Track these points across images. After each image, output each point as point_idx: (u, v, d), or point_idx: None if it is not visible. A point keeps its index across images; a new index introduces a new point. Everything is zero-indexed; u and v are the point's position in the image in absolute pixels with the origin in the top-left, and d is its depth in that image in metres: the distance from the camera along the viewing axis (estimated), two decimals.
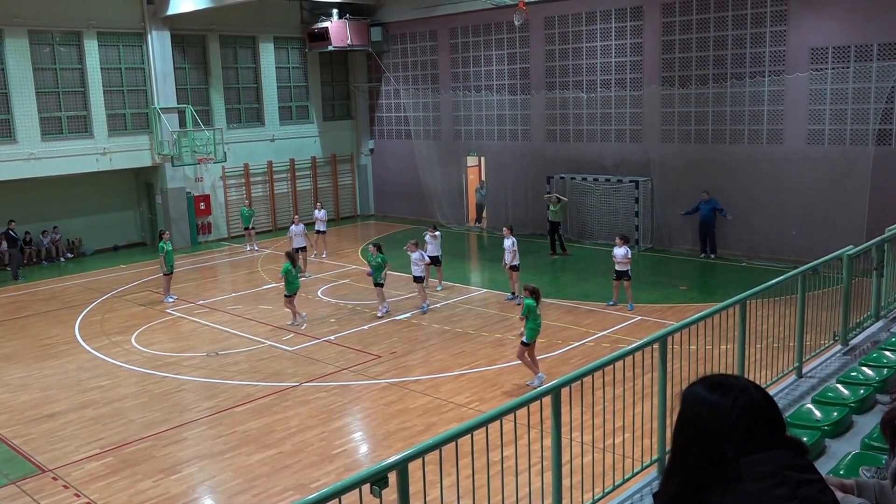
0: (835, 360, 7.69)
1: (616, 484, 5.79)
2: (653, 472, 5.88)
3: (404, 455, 4.00)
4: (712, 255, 20.64)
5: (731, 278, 18.32)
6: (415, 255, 17.09)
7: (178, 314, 17.68)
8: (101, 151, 23.86)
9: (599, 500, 5.61)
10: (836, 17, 18.54)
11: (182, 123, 25.11)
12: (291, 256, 16.43)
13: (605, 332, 14.83)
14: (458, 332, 15.40)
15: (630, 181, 22.18)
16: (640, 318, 15.59)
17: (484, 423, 4.59)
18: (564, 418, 5.11)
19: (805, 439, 5.14)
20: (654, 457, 5.92)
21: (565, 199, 22.28)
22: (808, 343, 7.60)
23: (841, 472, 4.60)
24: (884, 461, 4.21)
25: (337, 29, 26.99)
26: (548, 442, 5.13)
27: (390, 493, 3.89)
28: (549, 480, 5.17)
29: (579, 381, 5.21)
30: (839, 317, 7.97)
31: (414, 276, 17.22)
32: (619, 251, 15.88)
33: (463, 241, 25.61)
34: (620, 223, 22.22)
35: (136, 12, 24.25)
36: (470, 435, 4.54)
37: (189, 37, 25.83)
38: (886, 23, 17.75)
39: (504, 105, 25.51)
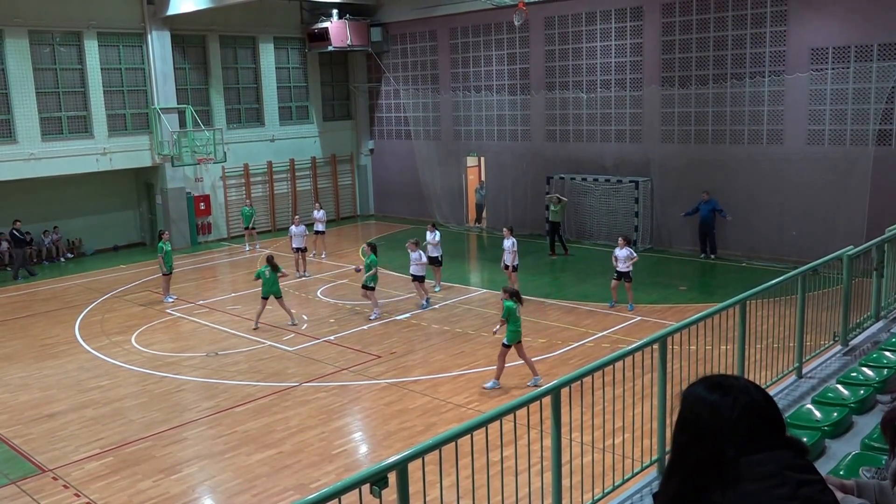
0: (835, 361, 7.69)
1: (616, 484, 5.79)
2: (653, 472, 5.88)
3: (404, 455, 4.00)
4: (712, 256, 20.63)
5: (731, 278, 18.32)
6: (414, 255, 17.11)
7: (178, 314, 17.68)
8: (102, 151, 23.86)
9: (599, 500, 5.61)
10: (836, 18, 18.54)
11: (182, 124, 25.11)
12: (271, 261, 16.25)
13: (604, 333, 14.83)
14: (457, 332, 15.40)
15: (630, 181, 22.18)
16: (639, 318, 15.59)
17: (484, 424, 4.59)
18: (564, 418, 5.11)
19: (805, 440, 5.14)
20: (654, 457, 5.92)
21: (565, 199, 22.30)
22: (808, 343, 7.60)
23: (841, 473, 4.60)
24: (884, 462, 4.21)
25: (337, 29, 27.00)
26: (548, 442, 5.13)
27: (390, 494, 3.89)
28: (549, 480, 5.17)
29: (579, 382, 5.21)
30: (839, 317, 7.97)
31: (412, 276, 17.27)
32: (622, 252, 15.84)
33: (462, 241, 25.61)
34: (620, 223, 22.23)
35: (136, 12, 24.25)
36: (470, 435, 4.54)
37: (189, 37, 25.84)
38: (886, 23, 17.75)
39: (504, 105, 25.52)
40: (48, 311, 18.44)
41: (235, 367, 13.97)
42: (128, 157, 24.51)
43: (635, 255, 16.24)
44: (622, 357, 5.60)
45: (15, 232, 21.97)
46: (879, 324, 8.57)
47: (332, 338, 15.40)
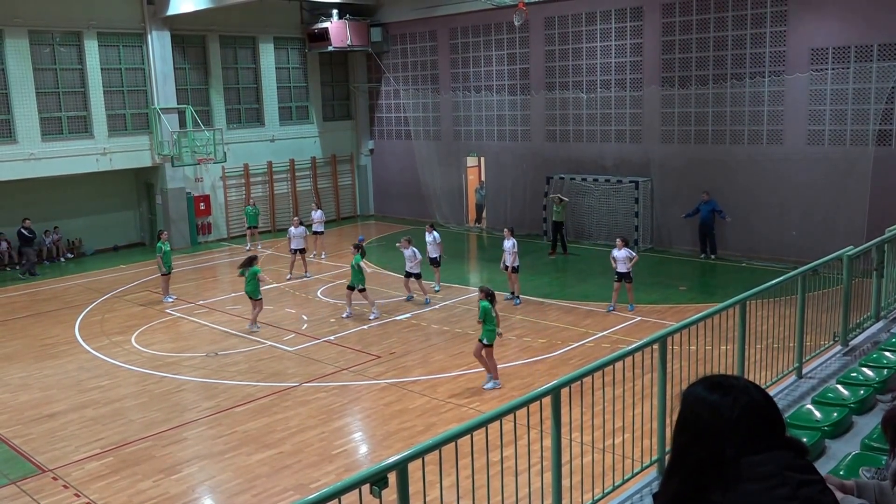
0: (835, 361, 7.69)
1: (616, 484, 5.79)
2: (653, 472, 5.88)
3: (404, 455, 4.00)
4: (712, 256, 20.64)
5: (731, 279, 18.32)
6: (407, 252, 17.15)
7: (178, 314, 17.68)
8: (102, 151, 23.86)
9: (599, 500, 5.61)
10: (835, 18, 18.54)
11: (182, 124, 25.11)
12: (248, 262, 16.19)
13: (604, 333, 14.83)
14: (457, 332, 15.40)
15: (630, 181, 22.18)
16: (639, 318, 15.59)
17: (484, 424, 4.59)
18: (564, 419, 5.11)
19: (805, 440, 5.14)
20: (654, 457, 5.92)
21: (566, 199, 22.32)
22: (808, 343, 7.60)
23: (841, 473, 4.60)
24: (884, 462, 4.21)
25: (337, 29, 27.00)
26: (548, 442, 5.13)
27: (390, 494, 3.89)
28: (549, 481, 5.17)
29: (579, 382, 5.21)
30: (839, 317, 7.97)
31: (407, 273, 17.31)
32: (620, 253, 15.82)
33: (462, 241, 25.61)
34: (620, 224, 22.24)
35: (137, 12, 24.25)
36: (470, 435, 4.54)
37: (189, 37, 25.84)
38: (886, 23, 17.75)
39: (504, 105, 25.52)
40: (48, 311, 18.44)
41: (235, 368, 13.97)
42: (128, 157, 24.51)
43: (634, 254, 16.23)
44: (622, 357, 5.60)
45: (24, 230, 22.07)
46: (879, 324, 8.57)
47: (332, 338, 15.41)
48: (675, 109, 21.43)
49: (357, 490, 3.79)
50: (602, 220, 23.11)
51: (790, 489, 1.91)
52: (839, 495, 2.80)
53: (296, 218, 21.55)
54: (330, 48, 27.27)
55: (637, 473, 5.94)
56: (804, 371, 7.44)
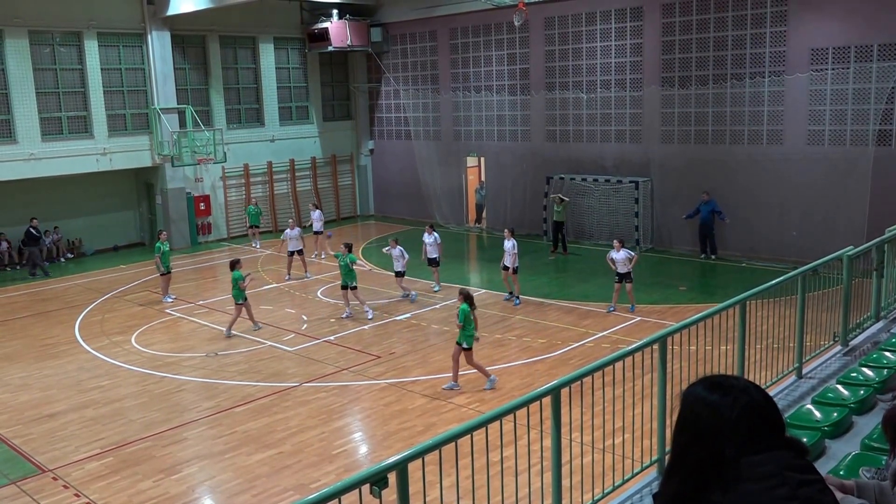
0: (835, 361, 7.69)
1: (616, 484, 5.79)
2: (652, 472, 5.87)
3: (404, 455, 4.00)
4: (713, 256, 20.64)
5: (731, 279, 18.32)
6: (395, 252, 17.34)
7: (178, 314, 17.68)
8: (102, 152, 23.86)
9: (599, 500, 5.61)
10: (835, 18, 18.54)
11: (182, 124, 25.11)
12: (232, 265, 16.11)
13: (604, 333, 14.83)
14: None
15: (630, 182, 22.18)
16: (639, 318, 15.59)
17: (484, 424, 4.59)
18: (564, 419, 5.10)
19: (805, 440, 5.14)
20: (654, 457, 5.92)
21: (567, 199, 22.34)
22: (808, 344, 7.59)
23: (841, 473, 4.60)
24: (884, 462, 4.21)
25: (337, 29, 27.00)
26: (548, 442, 5.13)
27: (390, 494, 3.89)
28: (549, 481, 5.17)
29: (579, 382, 5.20)
30: (839, 317, 7.97)
31: (396, 272, 17.62)
32: (619, 255, 15.79)
33: (462, 241, 25.61)
34: (620, 224, 22.24)
35: (137, 13, 24.25)
36: (470, 435, 4.54)
37: (189, 37, 25.84)
38: (886, 23, 17.75)
39: (504, 105, 25.51)
40: (48, 311, 18.44)
41: (235, 368, 13.97)
42: (128, 157, 24.51)
43: (634, 254, 16.18)
44: (622, 357, 5.59)
45: (32, 230, 22.12)
46: (879, 324, 8.57)
47: (331, 338, 15.41)
48: (675, 109, 21.43)
49: (357, 490, 3.79)
50: (602, 221, 23.11)
51: (790, 489, 1.91)
52: (839, 495, 2.80)
53: (291, 220, 21.52)
54: (330, 48, 27.27)
55: (637, 473, 5.94)
56: (804, 371, 7.43)
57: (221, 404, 12.22)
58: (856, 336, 8.18)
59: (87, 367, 14.33)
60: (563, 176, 23.59)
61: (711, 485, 1.97)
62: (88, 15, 23.34)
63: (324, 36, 27.11)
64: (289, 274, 20.41)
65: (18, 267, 23.05)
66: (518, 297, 17.16)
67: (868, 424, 5.78)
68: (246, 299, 15.84)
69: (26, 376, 13.95)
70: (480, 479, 4.84)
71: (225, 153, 25.45)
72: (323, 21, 27.16)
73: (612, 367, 5.51)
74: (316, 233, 23.10)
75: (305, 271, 20.59)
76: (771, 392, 5.99)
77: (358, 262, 16.41)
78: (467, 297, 12.18)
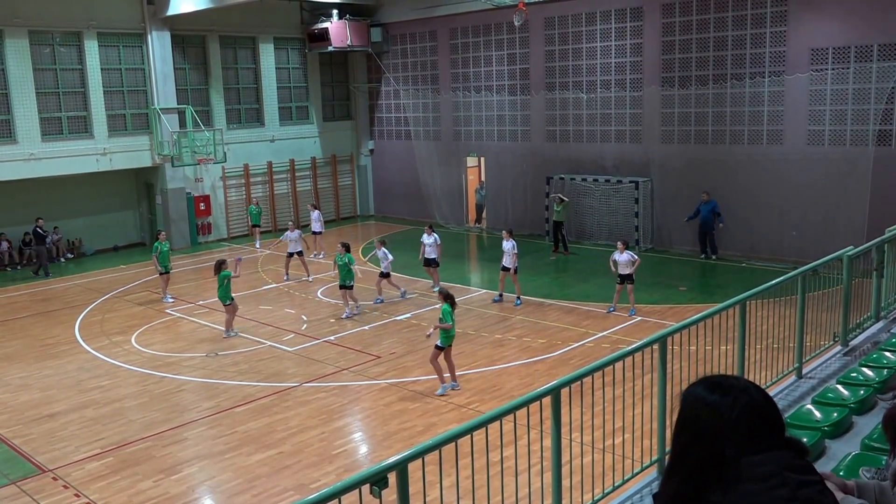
0: (835, 361, 7.69)
1: (616, 484, 5.79)
2: (653, 472, 5.88)
3: (404, 455, 4.00)
4: (713, 256, 20.63)
5: (731, 279, 18.32)
6: (380, 253, 17.63)
7: (178, 314, 17.68)
8: (102, 152, 23.87)
9: (599, 500, 5.61)
10: (835, 18, 18.54)
11: (182, 124, 25.12)
12: (219, 265, 16.01)
13: (604, 333, 14.83)
14: (457, 332, 15.35)
15: (630, 182, 22.18)
16: (640, 318, 15.59)
17: (484, 424, 4.59)
18: (564, 419, 5.10)
19: (805, 440, 5.14)
20: (654, 457, 5.92)
21: (567, 199, 22.34)
22: (808, 344, 7.60)
23: (841, 473, 4.60)
24: (884, 462, 4.21)
25: (337, 29, 27.00)
26: (548, 442, 5.13)
27: (390, 494, 3.89)
28: (549, 481, 5.17)
29: (579, 382, 5.21)
30: (839, 317, 7.97)
31: (380, 273, 17.82)
32: (622, 257, 15.69)
33: (462, 241, 25.61)
34: (620, 224, 22.25)
35: (136, 13, 24.26)
36: (470, 435, 4.54)
37: (189, 37, 25.84)
38: (886, 23, 17.75)
39: (504, 105, 25.52)
40: (48, 311, 18.44)
41: (235, 368, 13.97)
42: (128, 157, 24.52)
43: (637, 258, 16.07)
44: (622, 357, 5.60)
45: (38, 230, 22.17)
46: (879, 324, 8.57)
47: (332, 338, 15.41)
48: (675, 109, 21.43)
49: (357, 490, 3.79)
50: (602, 221, 23.11)
51: (790, 489, 1.91)
52: (839, 495, 2.80)
53: (291, 223, 21.50)
54: (330, 48, 27.28)
55: (637, 474, 5.94)
56: (804, 371, 7.44)
57: (221, 404, 12.22)
58: (856, 336, 8.18)
59: (88, 367, 14.33)
60: (563, 176, 23.59)
61: (711, 485, 1.97)
62: (88, 15, 23.34)
63: (324, 36, 27.11)
64: (287, 274, 20.42)
65: (19, 267, 23.08)
66: (519, 298, 17.15)
67: (868, 424, 5.78)
68: (233, 300, 15.77)
69: (26, 376, 13.95)
70: (480, 479, 4.84)
71: (225, 153, 25.45)
72: (323, 21, 27.17)
73: (612, 367, 5.51)
74: (314, 233, 23.11)
75: (308, 274, 20.50)
76: (771, 392, 5.99)
77: (356, 263, 16.40)
78: (447, 297, 12.20)
